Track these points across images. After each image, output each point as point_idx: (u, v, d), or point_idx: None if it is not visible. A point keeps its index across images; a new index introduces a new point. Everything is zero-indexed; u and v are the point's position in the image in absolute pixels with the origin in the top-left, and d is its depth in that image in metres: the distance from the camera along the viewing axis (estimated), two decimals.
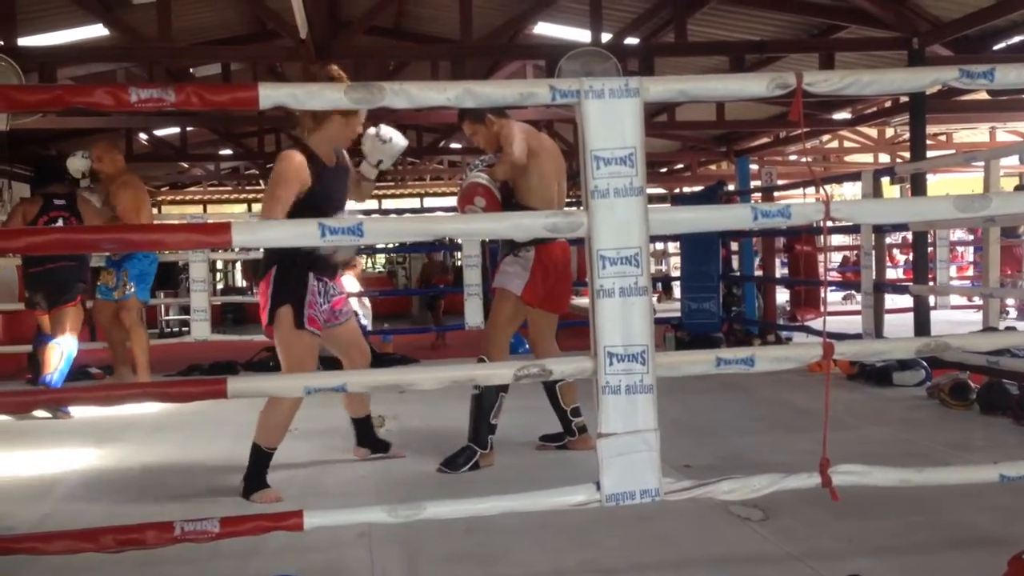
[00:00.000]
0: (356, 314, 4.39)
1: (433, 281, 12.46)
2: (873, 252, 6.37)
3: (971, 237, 12.94)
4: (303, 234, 2.42)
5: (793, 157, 15.59)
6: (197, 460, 4.42)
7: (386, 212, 16.94)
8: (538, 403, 5.36)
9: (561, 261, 4.24)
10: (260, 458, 3.69)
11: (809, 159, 14.90)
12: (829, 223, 2.53)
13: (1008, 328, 7.37)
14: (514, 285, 4.16)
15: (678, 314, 8.90)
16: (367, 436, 4.30)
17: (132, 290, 6.30)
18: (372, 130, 3.92)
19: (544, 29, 9.96)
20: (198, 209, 21.41)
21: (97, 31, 8.74)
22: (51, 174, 6.31)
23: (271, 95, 2.26)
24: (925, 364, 5.68)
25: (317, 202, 3.54)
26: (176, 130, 13.45)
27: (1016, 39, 7.99)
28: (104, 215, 6.05)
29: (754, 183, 11.78)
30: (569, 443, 4.40)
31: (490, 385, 3.96)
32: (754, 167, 13.65)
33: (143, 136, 13.77)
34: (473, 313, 8.03)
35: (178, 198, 21.44)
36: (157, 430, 5.12)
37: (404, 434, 4.75)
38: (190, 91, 2.22)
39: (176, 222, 7.11)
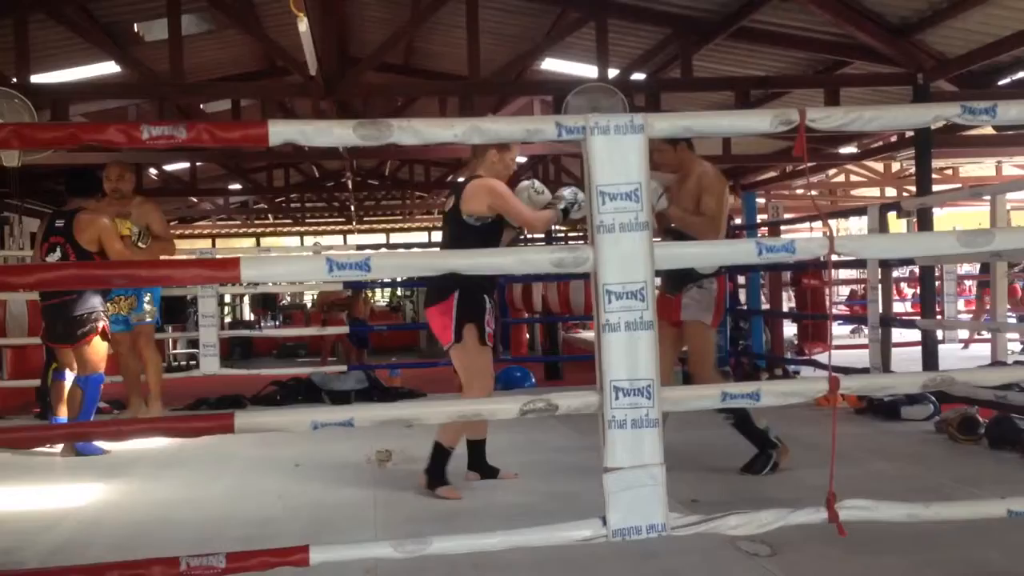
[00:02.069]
0: None
1: (358, 315, 12.00)
2: (880, 286, 6.37)
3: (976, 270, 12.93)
4: (312, 269, 2.45)
5: (800, 191, 15.63)
6: (204, 495, 4.41)
7: (394, 246, 17.01)
8: (542, 437, 5.37)
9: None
10: (441, 456, 4.14)
11: (815, 193, 14.97)
12: (834, 257, 2.54)
13: (1017, 362, 7.33)
14: (706, 316, 4.47)
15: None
16: (479, 460, 4.48)
17: (155, 315, 6.23)
18: (526, 183, 4.39)
19: (551, 65, 10.06)
20: (207, 243, 21.53)
21: (109, 68, 8.85)
22: (84, 185, 5.73)
23: (281, 132, 2.30)
24: (933, 399, 5.66)
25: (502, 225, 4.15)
26: (186, 165, 13.58)
27: (1021, 74, 8.04)
28: (134, 235, 5.90)
29: (761, 217, 11.80)
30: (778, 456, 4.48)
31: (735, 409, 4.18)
32: (761, 201, 13.68)
33: (153, 171, 13.89)
34: None
35: (187, 232, 21.59)
36: (165, 464, 5.12)
37: (411, 469, 4.73)
38: (201, 128, 2.26)
39: (185, 258, 7.02)
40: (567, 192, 4.38)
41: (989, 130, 9.63)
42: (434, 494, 4.10)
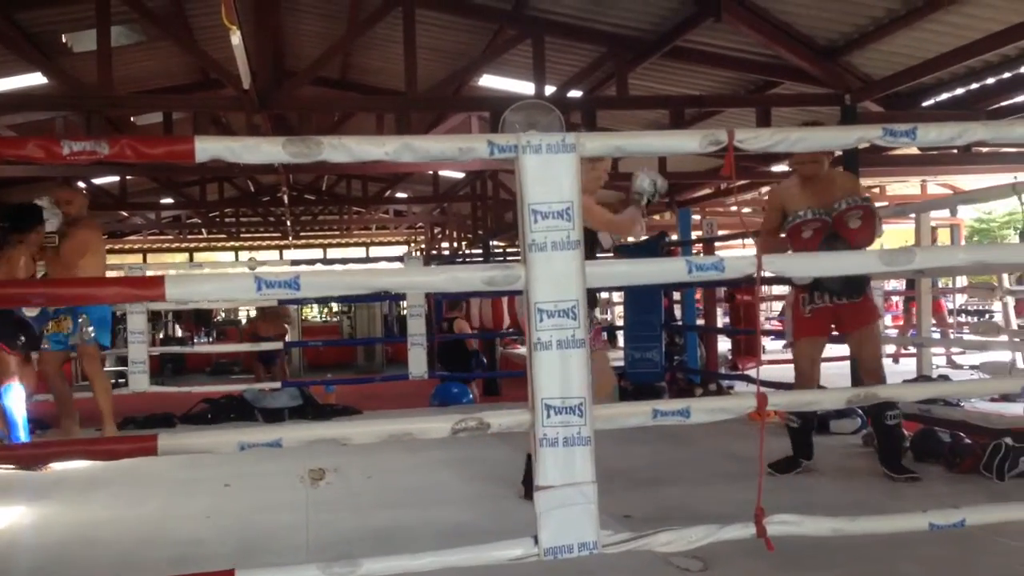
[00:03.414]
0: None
1: (262, 333, 11.75)
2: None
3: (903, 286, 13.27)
4: (240, 288, 2.40)
5: (734, 208, 15.89)
6: (130, 516, 4.29)
7: (331, 261, 16.86)
8: (482, 454, 5.35)
9: None
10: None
11: (748, 210, 15.22)
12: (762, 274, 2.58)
13: (941, 377, 7.53)
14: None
15: (621, 363, 8.95)
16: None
17: (92, 335, 6.08)
18: (644, 171, 4.36)
19: (489, 81, 10.10)
20: (138, 258, 21.10)
21: (36, 79, 8.64)
22: (26, 220, 5.73)
23: (208, 148, 2.26)
24: (861, 412, 5.77)
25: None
26: (115, 179, 13.30)
27: (944, 96, 8.30)
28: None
29: (696, 233, 11.96)
30: (806, 467, 4.65)
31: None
32: (696, 218, 13.87)
33: (81, 184, 13.57)
34: (417, 363, 7.97)
35: (117, 247, 21.14)
36: (89, 485, 4.96)
37: (346, 487, 4.68)
38: (124, 144, 2.20)
39: (108, 276, 6.80)
40: (644, 183, 4.33)
41: (915, 150, 9.92)
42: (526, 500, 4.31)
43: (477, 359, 10.77)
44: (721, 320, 12.38)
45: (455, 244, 20.74)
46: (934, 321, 10.89)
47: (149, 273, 9.71)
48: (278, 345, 11.05)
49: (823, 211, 4.36)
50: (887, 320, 12.40)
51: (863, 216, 4.25)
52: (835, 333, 4.76)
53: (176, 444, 2.28)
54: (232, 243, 23.25)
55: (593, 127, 8.41)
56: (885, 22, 6.91)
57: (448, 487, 4.67)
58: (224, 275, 2.31)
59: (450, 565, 2.36)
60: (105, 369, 12.87)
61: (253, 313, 13.11)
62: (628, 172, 4.56)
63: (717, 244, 11.10)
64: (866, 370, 4.58)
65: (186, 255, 22.42)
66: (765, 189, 15.98)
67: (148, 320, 10.31)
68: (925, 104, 8.41)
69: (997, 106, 8.26)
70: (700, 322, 10.01)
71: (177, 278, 2.21)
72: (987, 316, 11.40)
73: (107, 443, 2.24)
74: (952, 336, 11.18)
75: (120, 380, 8.14)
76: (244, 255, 23.01)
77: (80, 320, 6.01)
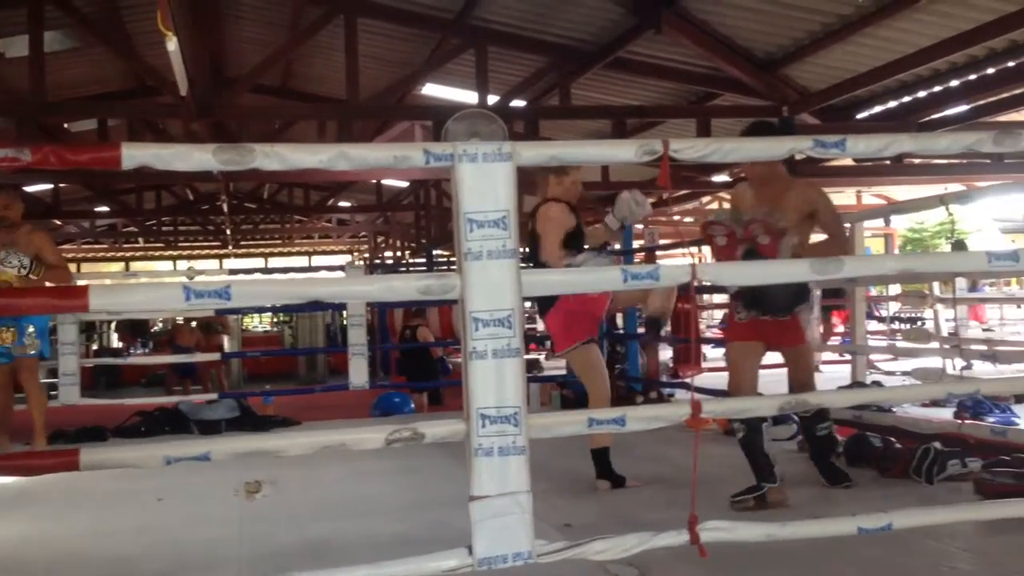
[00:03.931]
0: None
1: (180, 343, 11.62)
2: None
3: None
4: (168, 298, 2.35)
5: (676, 217, 16.08)
6: (56, 533, 4.16)
7: (272, 271, 16.68)
8: (422, 464, 5.31)
9: None
10: (605, 456, 4.65)
11: (691, 219, 15.41)
12: (697, 283, 2.60)
13: (874, 383, 7.68)
14: (814, 333, 4.43)
15: (564, 372, 8.96)
16: (603, 469, 4.70)
17: (39, 347, 5.89)
18: (627, 193, 4.49)
19: (432, 90, 10.09)
20: (72, 268, 20.60)
21: None
22: None
23: (135, 155, 2.21)
24: (796, 418, 5.85)
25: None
26: (48, 186, 12.99)
27: (877, 109, 8.50)
28: (23, 268, 5.60)
29: (638, 242, 12.06)
30: (770, 492, 4.18)
31: (751, 420, 4.06)
32: (639, 227, 13.96)
33: None
34: (358, 373, 7.87)
35: None
36: (13, 501, 4.79)
37: (282, 500, 4.61)
38: (48, 151, 2.15)
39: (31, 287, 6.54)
40: (622, 209, 4.51)
41: (850, 161, 10.13)
42: (624, 487, 4.58)
43: (443, 366, 10.78)
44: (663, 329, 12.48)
45: (399, 253, 20.65)
46: (844, 328, 11.09)
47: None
48: (214, 357, 10.88)
49: (736, 218, 4.20)
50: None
51: (768, 232, 3.94)
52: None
53: (100, 459, 2.22)
54: (170, 252, 22.85)
55: (536, 137, 8.45)
56: (821, 36, 7.05)
57: (386, 498, 4.63)
58: (151, 285, 2.26)
59: None
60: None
61: (220, 324, 12.87)
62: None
63: (659, 253, 11.17)
64: (798, 388, 4.42)
65: (122, 265, 21.97)
66: (706, 199, 16.23)
67: (83, 331, 10.08)
68: (859, 116, 8.61)
69: (928, 119, 8.48)
70: (641, 330, 10.08)
71: (102, 288, 2.16)
72: (919, 323, 11.65)
73: (26, 458, 2.17)
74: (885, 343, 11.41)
75: (53, 392, 7.94)
76: (183, 264, 22.63)
77: (30, 331, 5.82)
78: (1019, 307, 13.53)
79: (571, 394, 8.24)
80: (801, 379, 4.41)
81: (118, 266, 21.90)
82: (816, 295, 4.37)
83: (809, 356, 4.37)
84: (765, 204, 4.13)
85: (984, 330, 13.90)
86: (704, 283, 2.63)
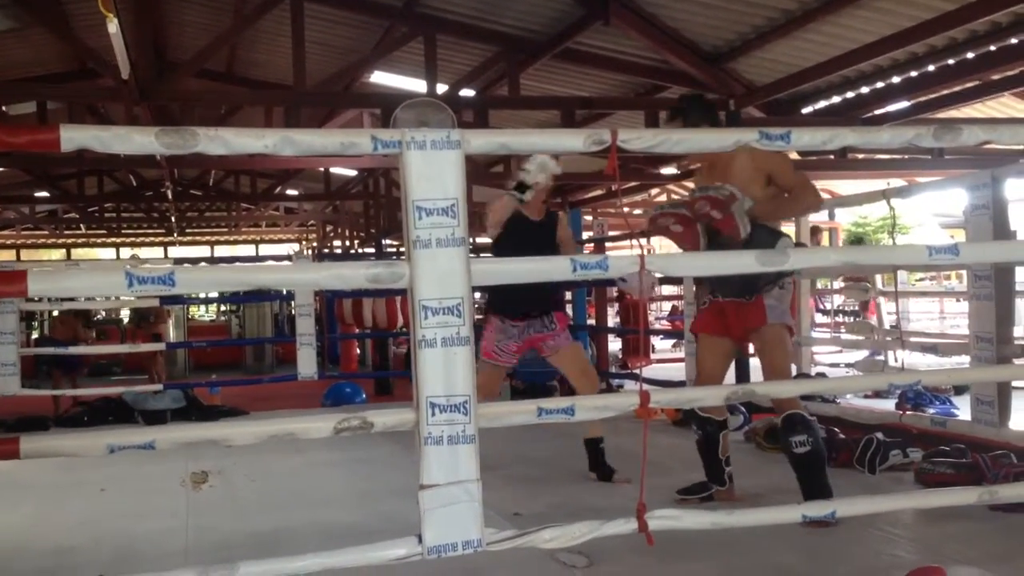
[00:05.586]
0: None
1: (57, 337, 11.33)
2: (695, 302, 6.63)
3: None
4: (110, 284, 2.30)
5: (626, 209, 16.17)
6: None
7: (218, 260, 16.44)
8: (373, 454, 5.29)
9: None
10: (596, 446, 4.69)
11: (640, 212, 15.52)
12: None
13: (819, 374, 7.81)
14: (788, 318, 4.01)
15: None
16: (594, 460, 4.70)
17: None
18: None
19: (380, 78, 10.01)
20: (11, 255, 20.10)
21: None
22: None
23: (74, 137, 2.15)
24: (744, 409, 5.94)
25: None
26: None
27: (822, 104, 8.63)
28: None
29: (588, 233, 12.12)
30: (717, 494, 4.10)
31: (707, 422, 4.04)
32: (588, 218, 14.05)
33: None
34: (306, 363, 7.80)
35: None
36: None
37: (228, 491, 4.55)
38: None
39: None
40: (530, 167, 4.15)
41: (795, 155, 10.27)
42: (611, 482, 4.54)
43: None
44: (612, 320, 12.58)
45: (348, 242, 20.48)
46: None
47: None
48: (159, 346, 10.68)
49: (676, 204, 4.07)
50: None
51: (716, 206, 3.61)
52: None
53: (41, 447, 2.17)
54: (113, 240, 22.40)
55: (485, 126, 8.43)
56: (766, 30, 7.13)
57: (335, 488, 4.60)
58: (92, 271, 2.22)
59: (331, 566, 2.32)
60: None
61: (153, 313, 12.51)
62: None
63: (609, 244, 11.25)
64: (767, 374, 4.01)
65: (63, 252, 21.49)
66: (655, 191, 16.35)
67: (22, 319, 9.79)
68: (804, 111, 8.73)
69: (871, 115, 8.63)
70: (591, 322, 10.15)
71: (40, 273, 2.11)
72: (861, 316, 11.86)
73: None
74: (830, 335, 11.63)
75: None
76: (126, 252, 22.21)
77: None
78: (958, 301, 13.82)
79: (521, 384, 8.26)
80: (767, 363, 3.98)
81: (59, 253, 21.41)
82: (788, 281, 3.99)
83: (776, 340, 3.92)
84: (710, 180, 3.89)
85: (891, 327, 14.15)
86: (656, 274, 2.64)
